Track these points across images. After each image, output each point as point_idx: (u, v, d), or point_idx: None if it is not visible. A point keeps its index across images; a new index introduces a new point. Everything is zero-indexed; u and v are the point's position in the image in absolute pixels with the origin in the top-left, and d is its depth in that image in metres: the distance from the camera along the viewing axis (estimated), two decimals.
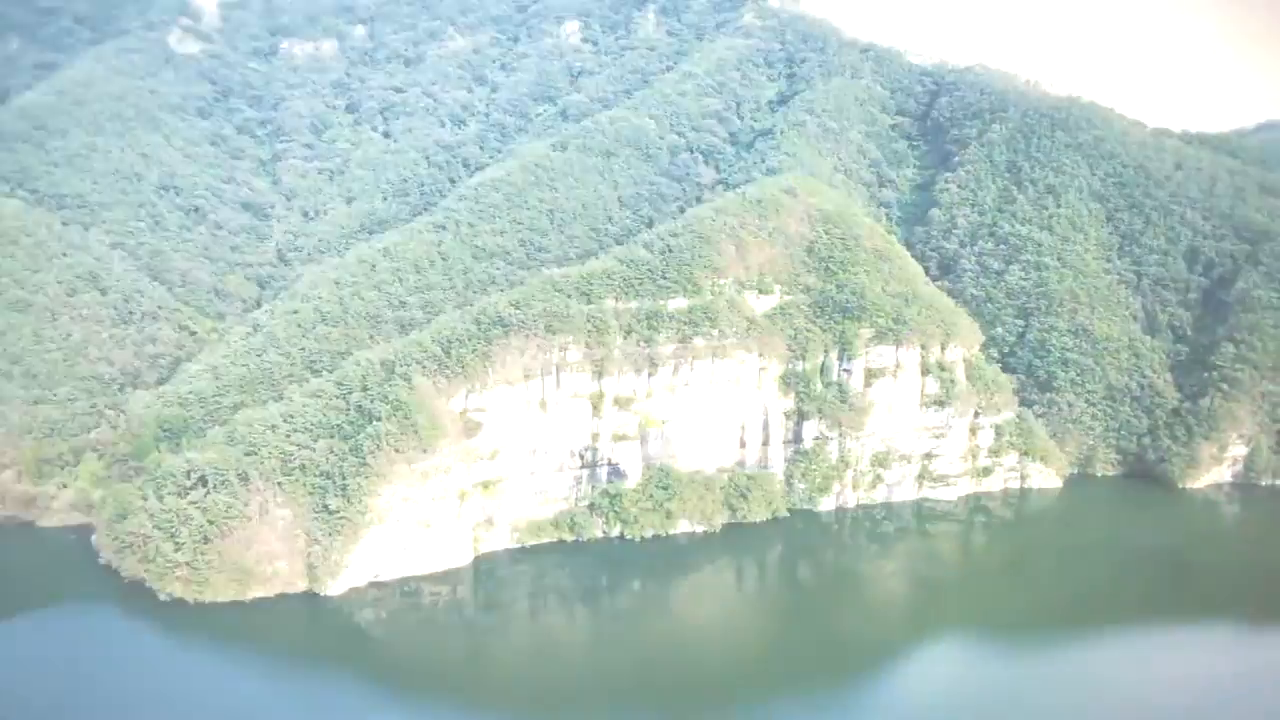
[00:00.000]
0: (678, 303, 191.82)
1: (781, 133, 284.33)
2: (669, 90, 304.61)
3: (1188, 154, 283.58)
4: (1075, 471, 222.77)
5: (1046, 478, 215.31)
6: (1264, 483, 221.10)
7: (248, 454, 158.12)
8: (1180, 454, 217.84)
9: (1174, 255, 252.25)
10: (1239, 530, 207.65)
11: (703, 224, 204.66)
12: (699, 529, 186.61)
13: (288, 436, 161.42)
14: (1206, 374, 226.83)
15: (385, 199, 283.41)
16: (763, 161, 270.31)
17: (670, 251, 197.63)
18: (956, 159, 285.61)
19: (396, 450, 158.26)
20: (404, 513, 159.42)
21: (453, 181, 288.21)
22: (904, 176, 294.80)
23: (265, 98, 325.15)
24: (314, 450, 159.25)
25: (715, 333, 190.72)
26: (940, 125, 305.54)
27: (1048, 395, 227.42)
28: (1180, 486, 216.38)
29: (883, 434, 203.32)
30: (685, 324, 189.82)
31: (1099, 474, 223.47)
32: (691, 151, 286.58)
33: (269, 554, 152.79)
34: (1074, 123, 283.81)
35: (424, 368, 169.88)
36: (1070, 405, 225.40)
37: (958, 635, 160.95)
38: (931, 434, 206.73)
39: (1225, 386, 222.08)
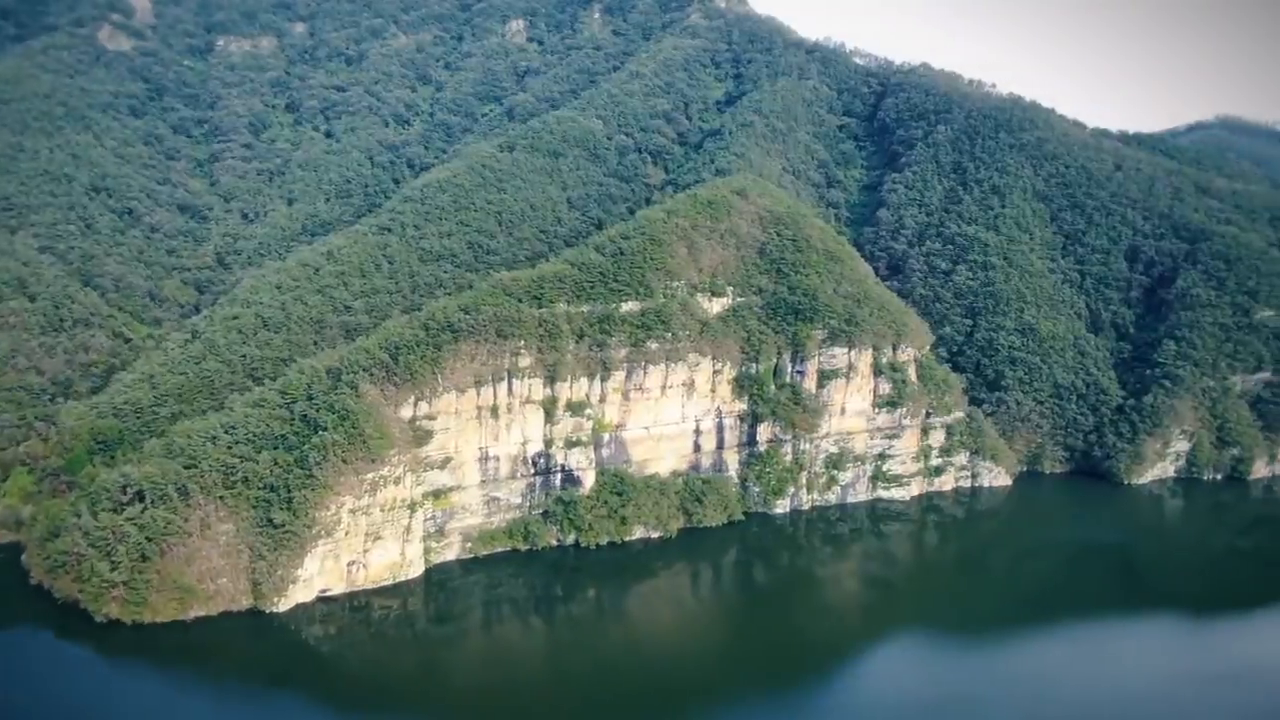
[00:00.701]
0: (630, 306, 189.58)
1: (730, 133, 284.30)
2: (616, 90, 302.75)
3: (1126, 155, 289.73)
4: (1024, 469, 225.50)
5: (997, 476, 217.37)
6: (1206, 477, 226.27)
7: (187, 467, 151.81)
8: (1125, 450, 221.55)
9: (1116, 255, 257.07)
10: (1182, 525, 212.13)
11: (654, 226, 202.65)
12: (655, 535, 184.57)
13: (229, 448, 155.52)
14: (1149, 371, 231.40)
15: (328, 200, 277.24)
16: (712, 162, 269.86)
17: (622, 254, 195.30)
18: (903, 160, 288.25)
19: (344, 461, 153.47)
20: (352, 525, 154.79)
21: (397, 182, 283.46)
22: (851, 177, 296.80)
23: (201, 96, 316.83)
24: (257, 462, 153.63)
25: (668, 336, 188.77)
26: (886, 126, 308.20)
27: (996, 394, 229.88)
28: (1126, 483, 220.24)
29: (836, 435, 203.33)
30: (638, 327, 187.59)
31: (1047, 471, 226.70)
32: (640, 152, 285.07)
33: (211, 571, 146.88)
34: (1017, 124, 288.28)
35: (371, 375, 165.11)
36: (1018, 404, 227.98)
37: (912, 634, 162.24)
38: (884, 434, 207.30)
39: (1167, 383, 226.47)
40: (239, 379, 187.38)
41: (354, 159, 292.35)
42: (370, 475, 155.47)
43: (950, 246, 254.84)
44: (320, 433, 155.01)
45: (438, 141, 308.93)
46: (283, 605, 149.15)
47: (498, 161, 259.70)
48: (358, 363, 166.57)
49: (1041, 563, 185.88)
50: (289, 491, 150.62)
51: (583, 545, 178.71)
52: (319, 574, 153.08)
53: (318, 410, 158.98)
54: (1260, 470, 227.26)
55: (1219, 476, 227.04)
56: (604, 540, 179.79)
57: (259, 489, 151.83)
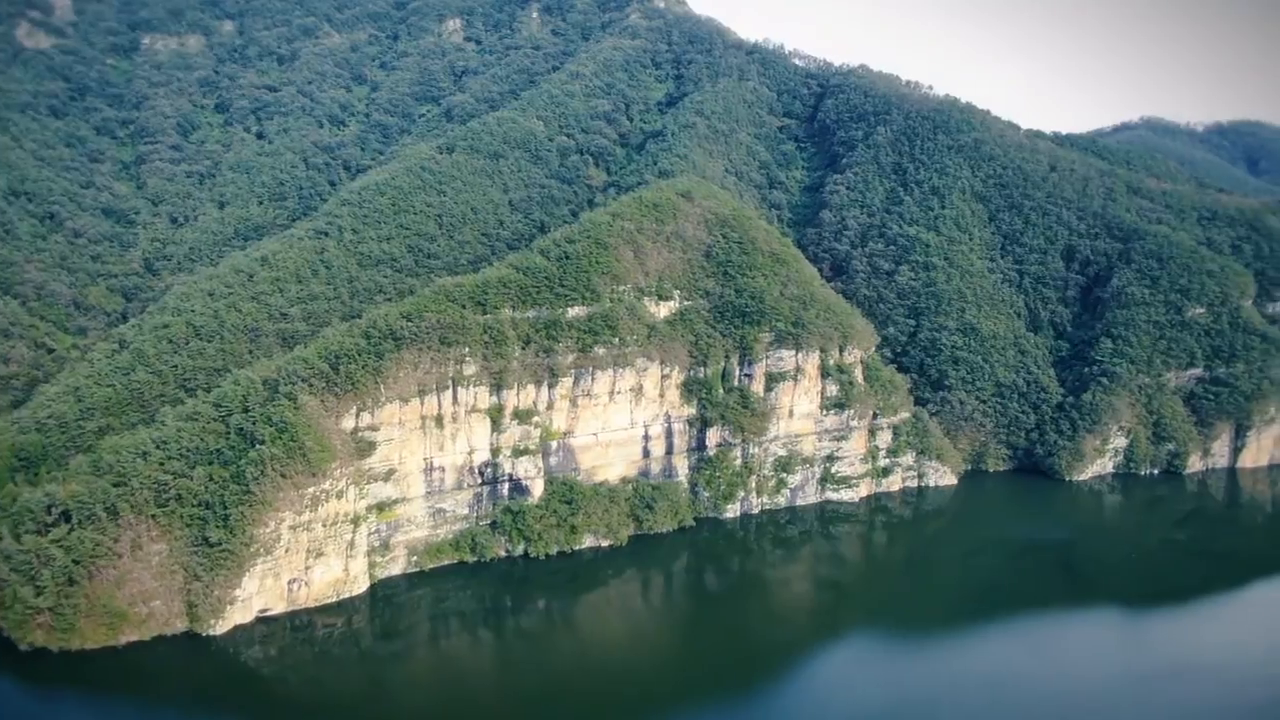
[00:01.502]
0: (577, 311, 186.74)
1: (672, 134, 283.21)
2: (556, 91, 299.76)
3: (1060, 156, 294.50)
4: (969, 468, 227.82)
5: (943, 476, 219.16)
6: (1143, 472, 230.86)
7: (116, 485, 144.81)
8: (1066, 448, 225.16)
9: (1052, 254, 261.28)
10: (1121, 520, 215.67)
11: (599, 229, 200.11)
12: (605, 543, 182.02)
13: (161, 464, 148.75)
14: (1087, 369, 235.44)
15: (261, 204, 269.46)
16: (654, 164, 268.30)
17: (567, 258, 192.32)
18: (844, 161, 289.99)
19: (283, 475, 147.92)
20: (293, 542, 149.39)
21: (333, 185, 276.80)
22: (793, 178, 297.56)
23: (126, 96, 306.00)
24: (191, 479, 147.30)
25: (616, 341, 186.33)
26: (827, 127, 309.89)
27: (940, 394, 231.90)
28: (1067, 479, 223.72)
29: (785, 438, 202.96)
30: (585, 333, 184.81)
31: (991, 469, 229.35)
32: (581, 153, 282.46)
33: (143, 594, 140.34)
34: (954, 125, 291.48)
35: (310, 385, 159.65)
36: (962, 403, 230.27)
37: (862, 635, 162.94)
38: (832, 436, 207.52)
39: (1105, 381, 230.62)
40: (170, 391, 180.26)
41: (288, 160, 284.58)
42: (311, 489, 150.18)
43: (892, 247, 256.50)
44: (257, 446, 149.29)
45: (374, 143, 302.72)
46: (220, 627, 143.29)
47: (437, 163, 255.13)
48: (296, 373, 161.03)
49: (986, 561, 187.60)
50: (225, 509, 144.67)
51: (532, 556, 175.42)
52: (258, 593, 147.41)
53: (254, 423, 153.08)
54: (1195, 464, 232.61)
55: (1156, 471, 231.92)
56: (553, 550, 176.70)
57: (193, 507, 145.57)
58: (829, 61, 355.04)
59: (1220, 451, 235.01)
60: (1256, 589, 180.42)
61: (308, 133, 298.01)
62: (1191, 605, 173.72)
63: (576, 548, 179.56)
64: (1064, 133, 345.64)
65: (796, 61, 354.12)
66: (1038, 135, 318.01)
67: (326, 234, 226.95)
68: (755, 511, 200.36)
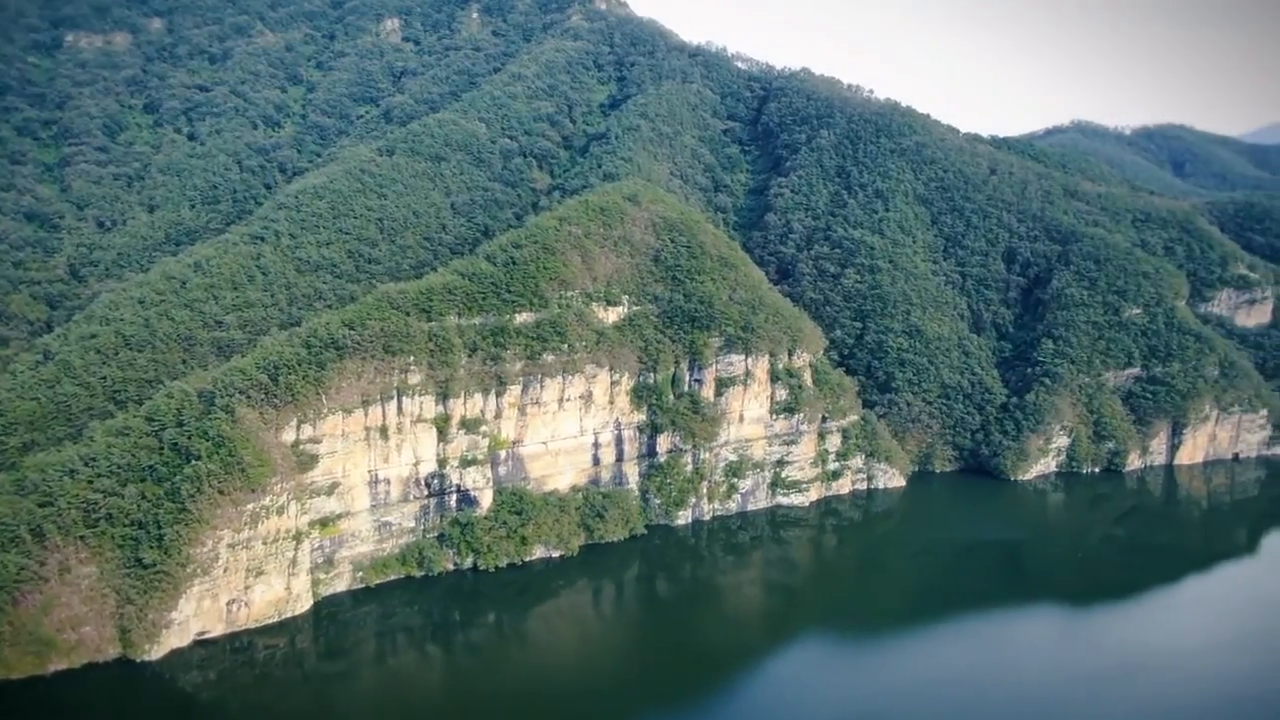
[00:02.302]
0: (524, 317, 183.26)
1: (616, 137, 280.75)
2: (498, 93, 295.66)
3: (999, 159, 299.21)
4: (916, 469, 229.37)
5: (891, 478, 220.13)
6: (1085, 471, 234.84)
7: (42, 504, 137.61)
8: (1010, 447, 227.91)
9: (994, 256, 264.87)
10: (1064, 518, 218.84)
11: (546, 234, 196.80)
12: (556, 554, 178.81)
13: (90, 482, 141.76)
14: (1029, 370, 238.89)
15: (193, 207, 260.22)
16: (599, 166, 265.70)
17: (514, 263, 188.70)
18: (788, 164, 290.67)
19: (220, 492, 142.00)
20: (231, 561, 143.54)
21: (269, 188, 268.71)
22: (738, 181, 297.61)
23: (49, 96, 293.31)
24: (122, 497, 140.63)
25: (564, 347, 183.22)
26: (770, 130, 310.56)
27: (887, 396, 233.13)
28: (1012, 479, 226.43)
29: (735, 443, 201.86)
30: (533, 339, 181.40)
31: (938, 470, 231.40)
32: (525, 156, 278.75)
33: (72, 619, 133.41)
34: (896, 129, 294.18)
35: (248, 397, 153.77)
36: (909, 405, 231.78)
37: (813, 638, 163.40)
38: (782, 441, 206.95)
39: (1047, 381, 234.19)
40: (99, 404, 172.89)
41: (221, 163, 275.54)
42: (250, 506, 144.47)
43: (838, 250, 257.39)
44: (193, 462, 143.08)
45: (311, 144, 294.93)
46: (155, 653, 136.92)
47: (377, 166, 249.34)
48: (233, 384, 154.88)
49: (935, 561, 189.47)
50: (159, 528, 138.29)
51: (481, 568, 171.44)
52: (195, 616, 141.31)
53: (189, 437, 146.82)
54: (1134, 462, 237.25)
55: (1097, 470, 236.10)
56: (503, 562, 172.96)
57: (125, 526, 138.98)
58: (771, 65, 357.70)
59: (1158, 449, 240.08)
60: (1190, 582, 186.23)
61: (241, 134, 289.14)
62: (1131, 600, 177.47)
63: (527, 559, 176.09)
64: (1001, 136, 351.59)
65: (739, 65, 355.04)
66: (976, 139, 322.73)
67: (263, 239, 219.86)
68: (707, 518, 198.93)
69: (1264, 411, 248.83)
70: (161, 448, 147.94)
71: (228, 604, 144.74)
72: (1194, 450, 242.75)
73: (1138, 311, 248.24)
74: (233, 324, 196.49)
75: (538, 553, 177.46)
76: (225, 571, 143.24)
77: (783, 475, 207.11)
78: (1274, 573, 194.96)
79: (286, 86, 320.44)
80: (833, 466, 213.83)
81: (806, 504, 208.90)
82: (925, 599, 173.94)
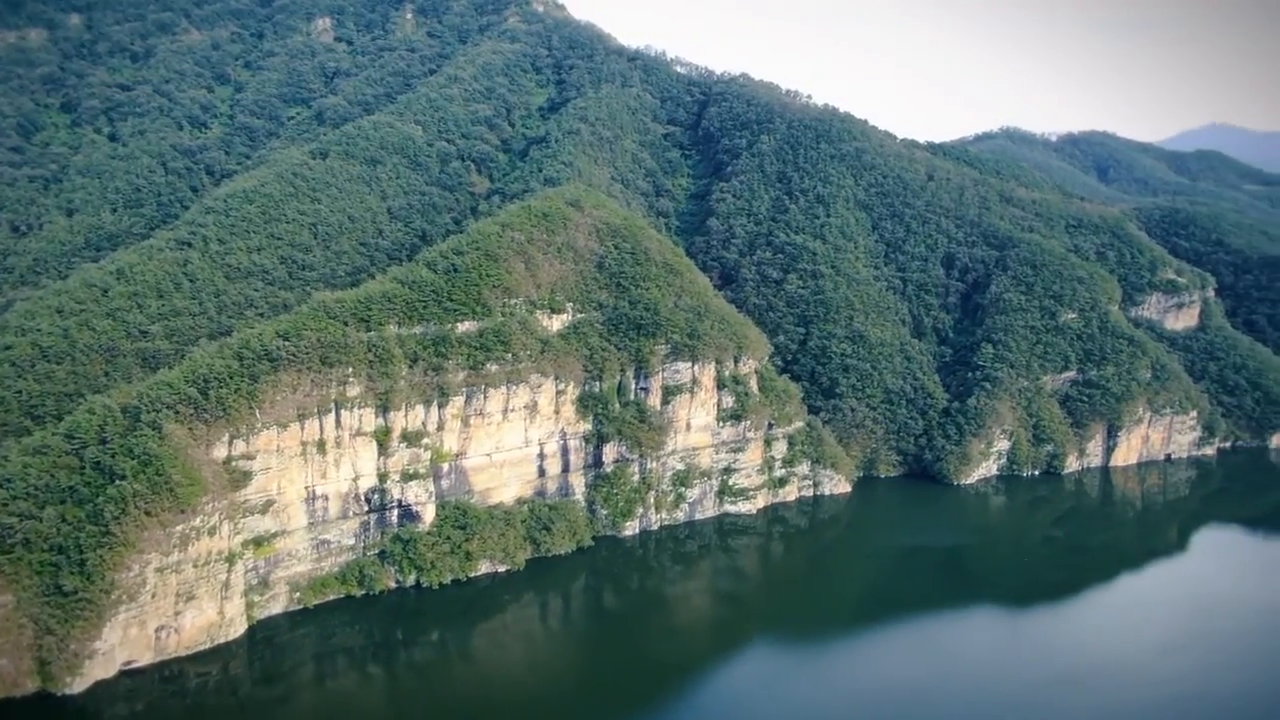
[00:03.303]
0: (467, 326, 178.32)
1: (556, 141, 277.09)
2: (435, 95, 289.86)
3: (937, 165, 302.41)
4: (861, 474, 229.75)
5: (837, 484, 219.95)
6: (1025, 474, 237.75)
7: None
8: (953, 452, 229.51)
9: (933, 261, 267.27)
10: (1005, 521, 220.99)
11: (488, 240, 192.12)
12: (501, 568, 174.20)
13: (5, 505, 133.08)
14: (970, 374, 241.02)
15: (114, 211, 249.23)
16: (539, 171, 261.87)
17: (455, 271, 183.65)
18: (729, 169, 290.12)
19: (147, 513, 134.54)
20: (160, 586, 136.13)
21: (195, 191, 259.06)
22: (679, 186, 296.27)
23: None
24: (40, 520, 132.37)
25: (508, 357, 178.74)
26: (711, 135, 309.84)
27: (832, 401, 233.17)
28: (955, 483, 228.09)
29: (682, 452, 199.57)
30: (476, 349, 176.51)
31: (883, 475, 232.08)
32: (463, 159, 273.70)
33: None
34: (836, 134, 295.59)
35: (177, 413, 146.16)
36: (853, 410, 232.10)
37: (761, 645, 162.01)
38: (729, 448, 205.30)
39: (987, 385, 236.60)
40: (14, 420, 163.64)
41: (144, 164, 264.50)
42: (179, 527, 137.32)
43: (780, 255, 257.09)
44: (117, 482, 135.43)
45: (240, 146, 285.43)
46: (77, 685, 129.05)
47: (310, 169, 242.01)
48: (160, 398, 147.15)
49: (880, 566, 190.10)
50: (81, 553, 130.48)
51: (424, 585, 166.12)
52: (121, 645, 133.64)
53: (113, 455, 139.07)
54: (1072, 464, 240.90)
55: (1036, 472, 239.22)
56: (447, 578, 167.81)
57: (44, 552, 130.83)
58: (710, 69, 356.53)
59: (1095, 451, 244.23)
60: (1124, 580, 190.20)
61: (166, 135, 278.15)
62: (1067, 600, 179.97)
63: (472, 575, 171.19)
64: (936, 142, 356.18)
65: (678, 69, 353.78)
66: (913, 145, 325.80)
67: (190, 244, 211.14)
68: (654, 528, 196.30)
69: (1194, 413, 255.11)
70: (83, 467, 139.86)
71: (156, 631, 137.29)
72: (1128, 452, 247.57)
73: (1073, 316, 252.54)
74: (158, 334, 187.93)
75: (483, 568, 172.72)
76: (153, 597, 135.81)
77: (730, 483, 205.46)
78: (1204, 569, 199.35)
79: (213, 86, 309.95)
80: (779, 473, 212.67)
81: (754, 512, 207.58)
82: (872, 604, 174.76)
